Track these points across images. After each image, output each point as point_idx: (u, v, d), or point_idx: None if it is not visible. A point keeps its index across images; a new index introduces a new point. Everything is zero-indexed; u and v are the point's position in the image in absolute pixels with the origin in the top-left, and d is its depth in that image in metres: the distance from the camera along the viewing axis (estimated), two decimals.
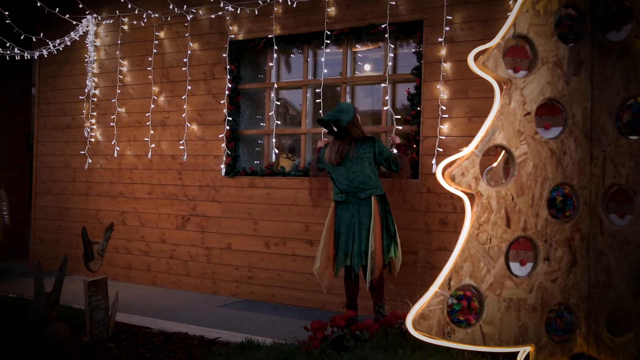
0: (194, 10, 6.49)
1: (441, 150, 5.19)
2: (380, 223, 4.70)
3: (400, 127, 5.45)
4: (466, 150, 3.52)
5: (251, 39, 6.26)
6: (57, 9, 6.90)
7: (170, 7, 6.51)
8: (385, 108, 5.57)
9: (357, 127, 4.85)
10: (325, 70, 5.86)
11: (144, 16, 6.72)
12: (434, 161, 5.19)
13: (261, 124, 6.55)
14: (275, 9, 6.03)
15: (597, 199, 3.64)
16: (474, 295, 3.54)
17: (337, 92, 6.10)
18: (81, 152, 7.30)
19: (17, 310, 4.82)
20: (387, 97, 5.55)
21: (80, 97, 7.30)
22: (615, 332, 3.53)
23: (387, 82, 5.55)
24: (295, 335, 4.19)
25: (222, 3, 6.21)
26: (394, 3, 5.45)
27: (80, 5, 6.83)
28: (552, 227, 3.64)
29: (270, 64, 6.21)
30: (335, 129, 4.80)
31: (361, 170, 4.75)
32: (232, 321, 5.22)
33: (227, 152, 6.34)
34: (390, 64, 5.53)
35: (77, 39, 7.24)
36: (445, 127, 5.22)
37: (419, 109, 5.36)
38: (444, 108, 5.21)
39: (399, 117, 5.48)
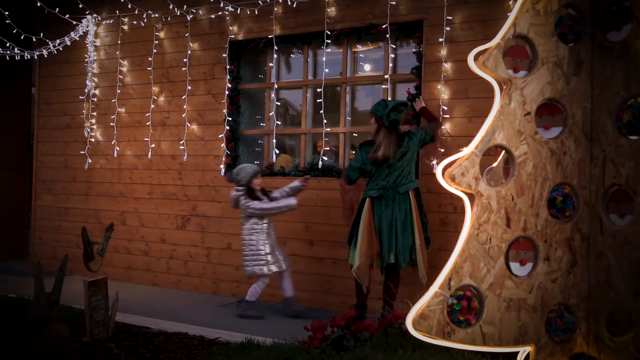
0: (194, 10, 6.49)
1: (442, 150, 5.19)
2: (419, 217, 4.78)
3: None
4: (466, 150, 3.52)
5: (251, 39, 6.26)
6: (57, 9, 6.90)
7: (170, 7, 6.50)
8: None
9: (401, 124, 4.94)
10: (326, 70, 5.86)
11: (144, 16, 6.72)
12: (434, 161, 5.19)
13: (261, 124, 6.55)
14: (275, 9, 6.03)
15: (597, 199, 3.64)
16: (474, 295, 3.54)
17: (337, 92, 6.10)
18: (81, 152, 7.30)
19: (17, 310, 4.81)
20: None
21: (80, 97, 7.30)
22: (615, 332, 3.53)
23: (389, 83, 5.55)
24: (295, 335, 4.19)
25: (222, 3, 6.21)
26: (394, 3, 5.45)
27: (80, 5, 6.83)
28: (552, 227, 3.64)
29: (270, 64, 6.21)
30: (387, 124, 4.81)
31: (404, 164, 4.81)
32: (232, 321, 5.22)
33: (227, 152, 6.34)
34: (390, 64, 5.53)
35: (77, 39, 7.24)
36: (445, 127, 5.22)
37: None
38: (445, 108, 5.21)
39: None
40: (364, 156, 4.91)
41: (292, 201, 5.29)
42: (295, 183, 5.44)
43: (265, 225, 5.41)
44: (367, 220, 4.78)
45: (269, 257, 5.35)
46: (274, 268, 5.37)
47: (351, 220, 4.99)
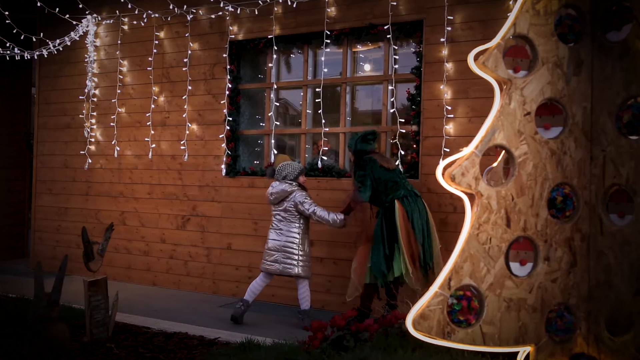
0: (194, 10, 6.49)
1: (448, 150, 5.17)
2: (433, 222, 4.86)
3: (401, 129, 5.45)
4: (466, 150, 3.52)
5: (251, 39, 6.26)
6: (57, 9, 6.90)
7: (170, 7, 6.50)
8: (391, 110, 5.55)
9: None
10: (325, 70, 5.86)
11: (144, 16, 6.72)
12: (441, 160, 5.16)
13: (261, 124, 6.55)
14: (275, 9, 6.03)
15: (597, 199, 3.64)
16: (474, 295, 3.54)
17: (337, 92, 6.10)
18: (81, 152, 7.30)
19: (17, 310, 4.81)
20: (392, 99, 5.57)
21: (80, 97, 7.30)
22: (615, 332, 3.53)
23: (393, 84, 5.55)
24: (295, 335, 4.19)
25: (222, 3, 6.21)
26: (394, 3, 5.45)
27: (80, 5, 6.83)
28: (552, 227, 3.64)
29: (270, 64, 6.21)
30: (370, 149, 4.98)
31: (404, 176, 4.99)
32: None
33: (227, 152, 6.34)
34: (393, 65, 5.52)
35: (77, 39, 7.24)
36: (445, 127, 5.22)
37: (418, 108, 5.36)
38: (449, 108, 5.20)
39: (402, 120, 5.48)
40: (374, 166, 4.83)
41: (341, 216, 5.06)
42: (341, 217, 5.06)
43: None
44: (404, 222, 4.68)
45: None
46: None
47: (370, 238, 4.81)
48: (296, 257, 5.08)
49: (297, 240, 5.10)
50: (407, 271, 4.58)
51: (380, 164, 4.85)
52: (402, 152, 5.42)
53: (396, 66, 5.52)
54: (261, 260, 5.25)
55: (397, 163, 5.11)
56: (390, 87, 5.57)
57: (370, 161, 4.87)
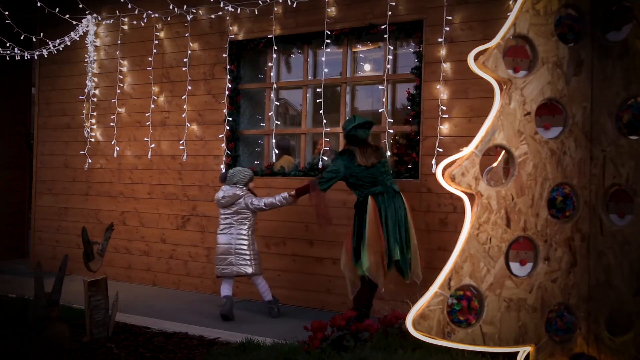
0: (194, 10, 6.49)
1: (441, 150, 5.19)
2: (411, 218, 4.84)
3: (395, 129, 5.45)
4: (466, 150, 3.52)
5: (251, 39, 6.26)
6: (57, 9, 6.90)
7: (170, 7, 6.50)
8: (380, 110, 5.56)
9: None
10: (326, 70, 5.85)
11: (144, 16, 6.72)
12: (433, 161, 5.19)
13: (261, 124, 6.55)
14: (275, 9, 6.03)
15: (597, 199, 3.64)
16: (474, 295, 3.54)
17: (337, 92, 6.10)
18: (81, 152, 7.30)
19: (17, 310, 4.81)
20: (383, 99, 5.56)
21: (80, 97, 7.30)
22: (615, 332, 3.53)
23: (385, 84, 5.55)
24: (295, 335, 4.19)
25: (222, 3, 6.21)
26: (393, 3, 5.45)
27: (80, 5, 6.82)
28: (552, 227, 3.65)
29: (270, 64, 6.21)
30: (363, 137, 4.88)
31: (389, 171, 4.93)
32: (232, 321, 5.22)
33: (227, 152, 6.34)
34: (389, 66, 5.52)
35: (77, 39, 7.24)
36: (445, 127, 5.22)
37: (418, 109, 5.37)
38: (444, 108, 5.21)
39: (391, 120, 5.47)
40: (345, 162, 4.86)
41: (285, 194, 5.26)
42: (285, 194, 5.27)
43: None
44: (374, 216, 4.72)
45: None
46: None
47: (328, 229, 5.03)
48: (248, 257, 5.33)
49: (247, 240, 5.36)
50: (369, 266, 4.66)
51: (357, 162, 4.82)
52: (389, 153, 5.41)
53: (389, 66, 5.50)
54: (215, 266, 5.48)
55: (381, 158, 4.92)
56: (380, 87, 5.58)
57: (349, 156, 4.87)
